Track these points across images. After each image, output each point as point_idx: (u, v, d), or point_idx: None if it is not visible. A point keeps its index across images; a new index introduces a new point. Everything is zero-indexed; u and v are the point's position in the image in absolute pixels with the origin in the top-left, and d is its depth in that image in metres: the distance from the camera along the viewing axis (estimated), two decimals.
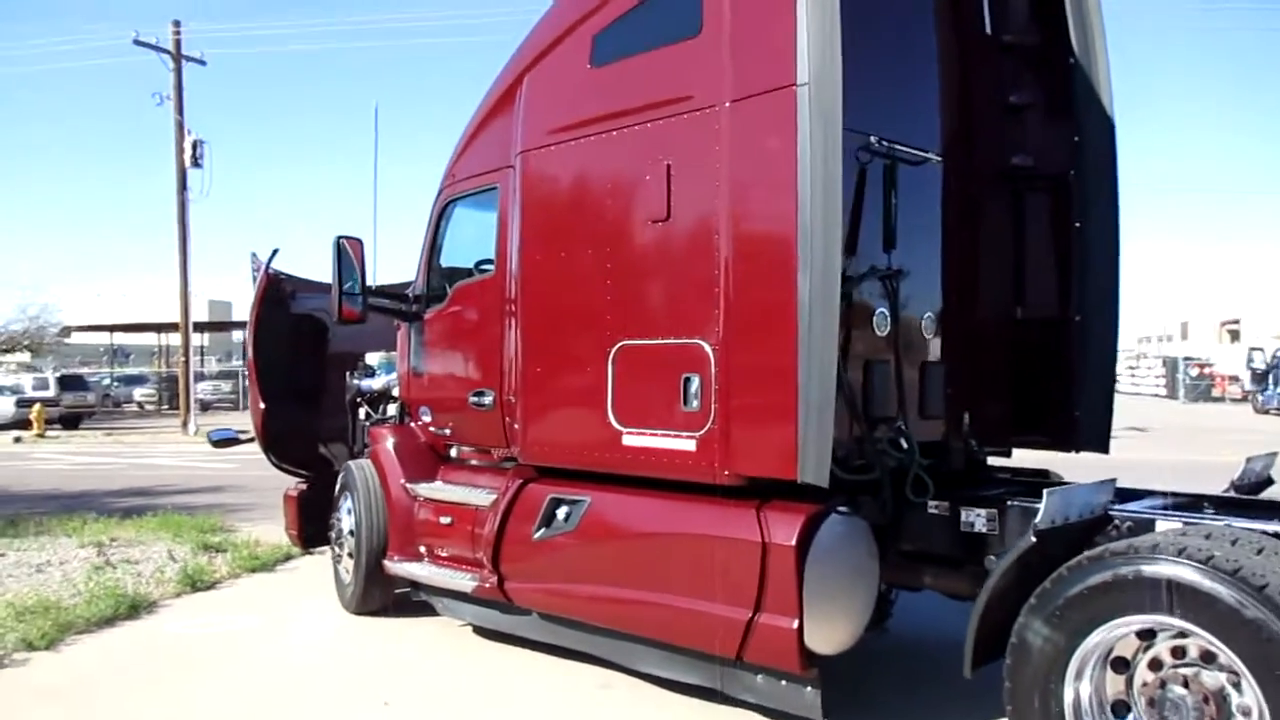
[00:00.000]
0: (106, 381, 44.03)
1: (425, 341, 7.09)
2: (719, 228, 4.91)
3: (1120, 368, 55.40)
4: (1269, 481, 5.46)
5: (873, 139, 5.25)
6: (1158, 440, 21.90)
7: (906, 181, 5.54)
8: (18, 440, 26.83)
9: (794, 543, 4.61)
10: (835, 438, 4.82)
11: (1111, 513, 4.30)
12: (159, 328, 40.71)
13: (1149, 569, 3.51)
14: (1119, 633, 3.67)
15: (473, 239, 6.77)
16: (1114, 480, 4.52)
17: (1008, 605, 3.92)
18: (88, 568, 8.64)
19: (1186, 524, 4.06)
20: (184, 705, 5.46)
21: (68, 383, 32.98)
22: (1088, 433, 6.11)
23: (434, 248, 7.06)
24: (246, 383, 8.66)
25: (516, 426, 6.07)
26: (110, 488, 15.79)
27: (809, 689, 4.73)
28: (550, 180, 5.90)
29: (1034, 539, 3.91)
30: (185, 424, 26.25)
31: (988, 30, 6.17)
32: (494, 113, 6.47)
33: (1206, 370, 44.23)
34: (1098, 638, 3.67)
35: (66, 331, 45.00)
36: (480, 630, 6.66)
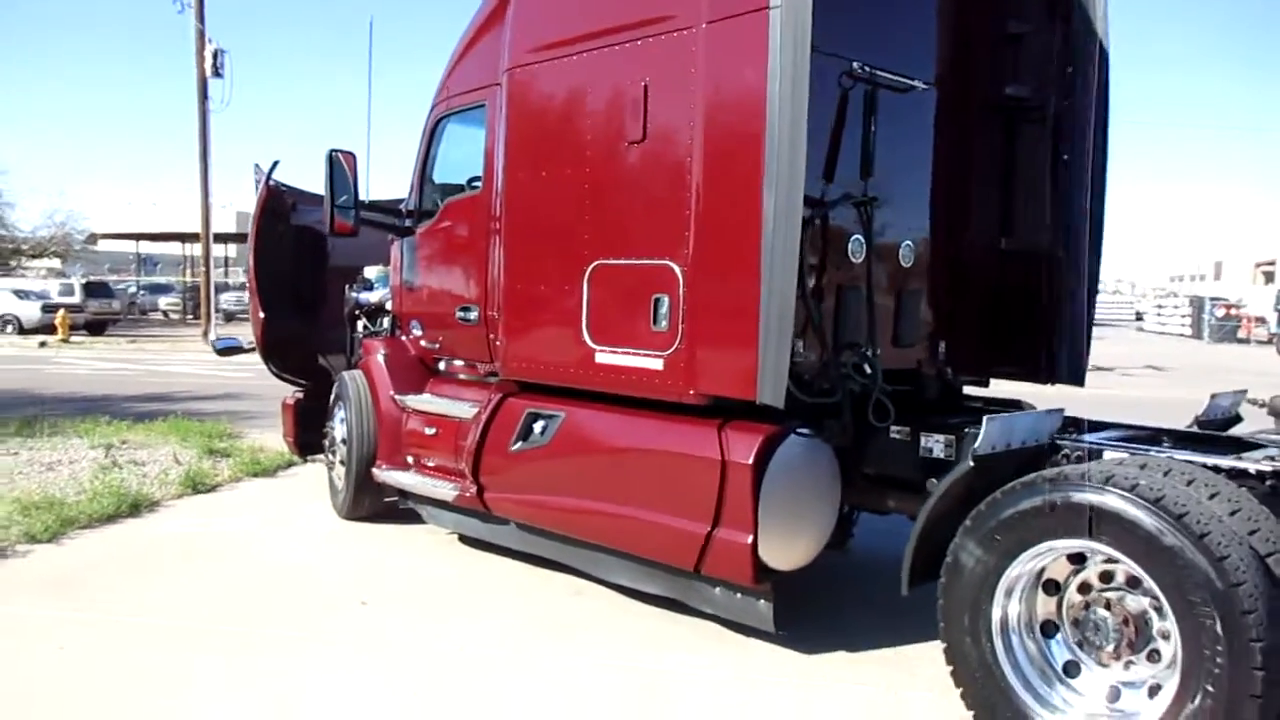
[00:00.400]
0: (133, 290, 44.51)
1: (416, 256, 7.20)
2: (692, 150, 4.94)
3: (1146, 306, 55.04)
4: (1236, 419, 5.51)
5: (855, 64, 5.23)
6: (1172, 379, 21.79)
7: (892, 109, 5.53)
8: (43, 345, 27.34)
9: (751, 461, 4.74)
10: (798, 361, 4.93)
11: (1060, 442, 4.39)
12: (184, 237, 40.95)
13: (1077, 495, 3.61)
14: (1049, 557, 3.79)
15: (463, 156, 6.81)
16: (1062, 410, 4.60)
17: (945, 527, 4.04)
18: (95, 468, 8.93)
19: (1131, 455, 4.14)
20: (173, 596, 5.71)
21: (93, 290, 33.36)
22: (1065, 367, 6.17)
23: (426, 163, 7.13)
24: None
25: (498, 342, 6.20)
26: (127, 393, 16.12)
27: (762, 602, 4.91)
28: (534, 99, 5.92)
29: (970, 463, 4.02)
30: (205, 333, 26.57)
31: None
32: (485, 28, 6.47)
33: (1233, 311, 43.68)
34: (1027, 560, 3.79)
35: (93, 239, 45.41)
36: (464, 539, 6.88)
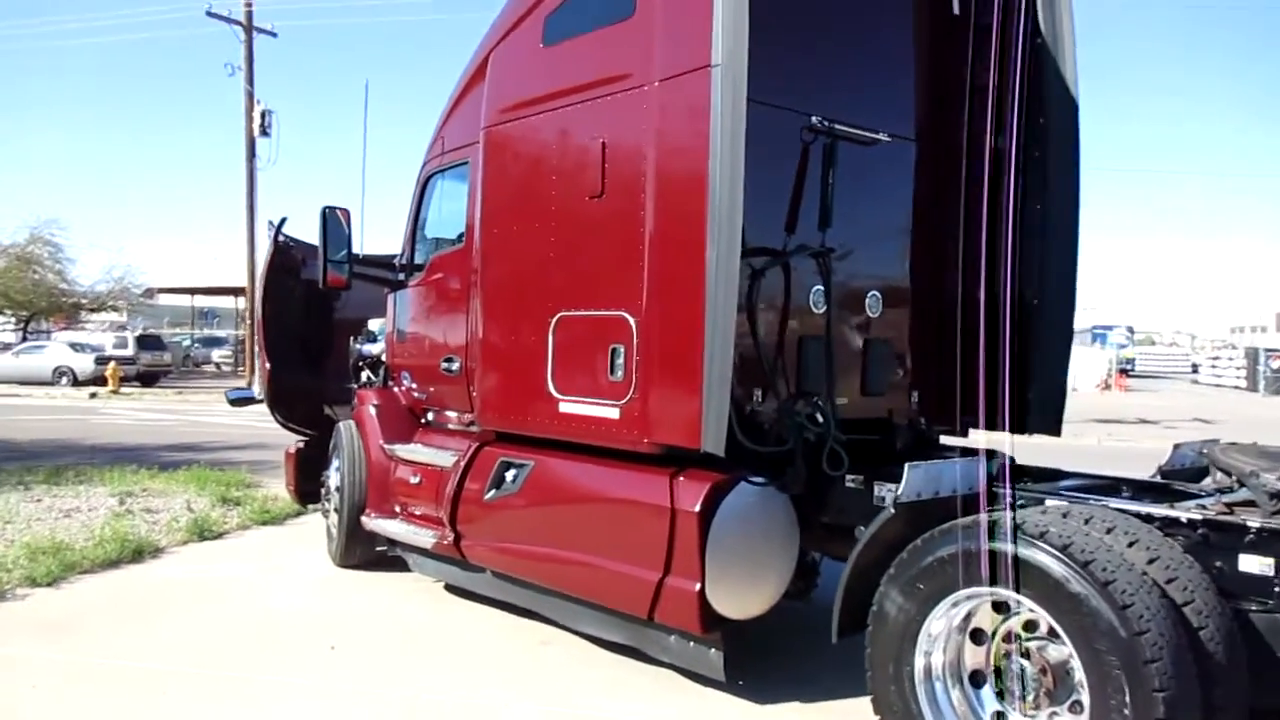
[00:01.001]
0: (187, 343, 45.60)
1: (407, 309, 7.40)
2: (645, 204, 5.06)
3: (1201, 359, 53.84)
4: (1205, 471, 5.44)
5: (815, 119, 5.35)
6: (1218, 432, 21.21)
7: (858, 161, 5.64)
8: (93, 396, 28.12)
9: (698, 509, 4.79)
10: (749, 410, 5.00)
11: (999, 490, 4.38)
12: (236, 291, 41.95)
13: (990, 544, 3.61)
14: (969, 605, 3.78)
15: (450, 211, 7.02)
16: (1004, 456, 4.61)
17: (874, 575, 4.04)
18: (109, 515, 9.19)
19: (1068, 503, 4.13)
20: (152, 640, 5.85)
21: (145, 342, 34.33)
22: (1040, 415, 6.16)
23: (417, 219, 7.35)
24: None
25: (474, 392, 6.33)
26: (163, 442, 16.52)
27: (713, 651, 4.93)
28: (506, 155, 6.11)
29: (892, 511, 4.03)
30: (250, 385, 27.21)
31: (956, 11, 6.19)
32: (468, 88, 6.70)
33: None
34: (946, 608, 3.78)
35: (150, 293, 46.72)
36: (449, 587, 6.97)
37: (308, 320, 9.12)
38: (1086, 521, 3.72)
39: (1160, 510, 3.91)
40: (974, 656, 3.90)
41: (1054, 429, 6.18)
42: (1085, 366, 46.55)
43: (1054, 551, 3.43)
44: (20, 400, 26.72)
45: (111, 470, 11.74)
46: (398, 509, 7.14)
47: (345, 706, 4.89)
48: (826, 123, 5.39)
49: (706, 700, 5.02)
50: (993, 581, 3.60)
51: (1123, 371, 49.12)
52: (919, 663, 3.86)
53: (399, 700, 4.98)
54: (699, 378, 4.68)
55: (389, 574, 7.43)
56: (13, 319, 41.37)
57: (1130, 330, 60.48)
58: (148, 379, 32.62)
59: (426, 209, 7.29)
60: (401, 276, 7.45)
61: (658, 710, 4.90)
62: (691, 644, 5.01)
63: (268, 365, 8.79)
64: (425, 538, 6.60)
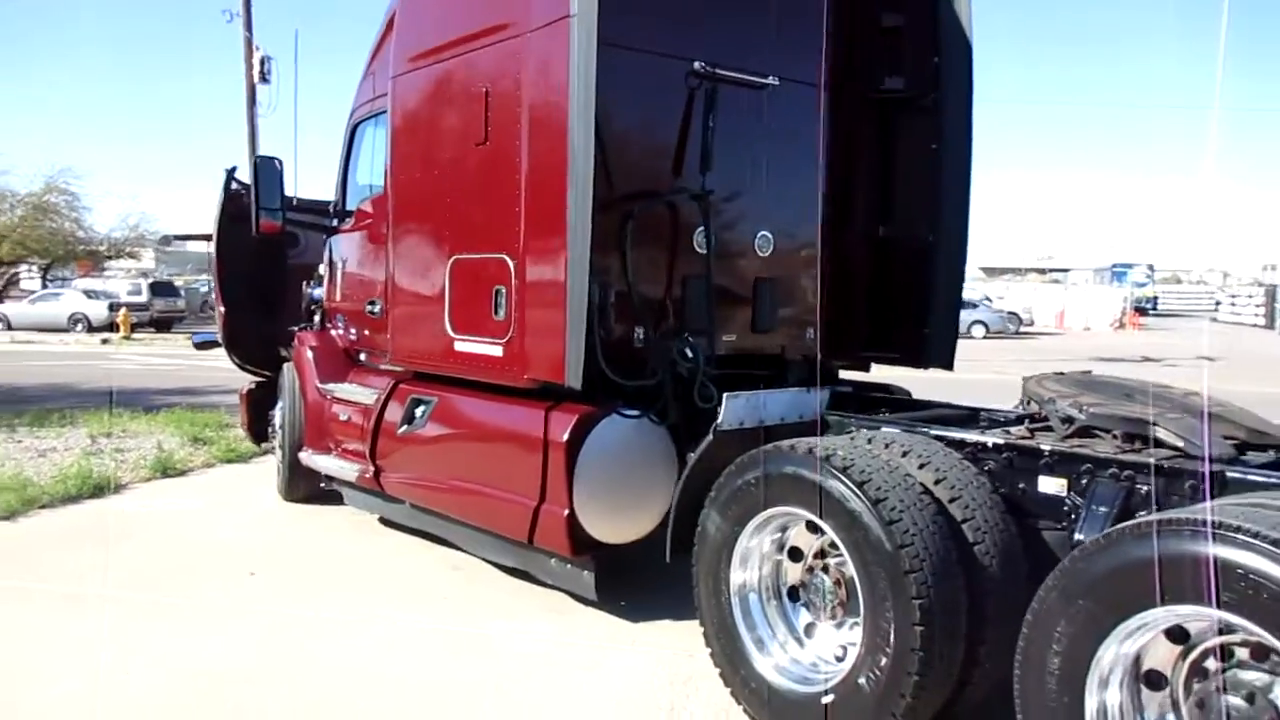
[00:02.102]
0: (205, 289, 46.20)
1: (338, 254, 7.68)
2: (520, 150, 5.28)
3: (1223, 296, 53.22)
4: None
5: (697, 64, 5.51)
6: (1221, 371, 21.29)
7: (749, 105, 5.81)
8: (104, 342, 28.76)
9: (565, 439, 5.07)
10: (621, 346, 5.25)
11: (830, 418, 4.63)
12: None
13: (784, 466, 3.88)
14: (776, 523, 4.05)
15: (373, 159, 7.25)
16: (828, 389, 4.84)
17: (700, 498, 4.31)
18: (79, 454, 9.62)
19: (901, 431, 4.36)
20: (91, 565, 6.25)
21: (159, 289, 34.96)
22: (935, 350, 6.37)
23: (347, 166, 7.60)
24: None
25: (389, 333, 6.63)
26: (161, 386, 16.97)
27: (585, 572, 5.25)
28: (409, 105, 6.32)
29: (711, 438, 4.29)
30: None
31: None
32: (385, 37, 6.89)
33: None
34: (755, 526, 4.06)
35: (167, 240, 47.31)
36: (383, 520, 7.31)
37: (262, 266, 9.39)
38: (887, 446, 3.97)
39: (972, 436, 4.14)
40: (793, 573, 4.17)
41: (948, 363, 6.39)
42: (1099, 305, 46.31)
43: (835, 472, 3.68)
44: (34, 347, 27.38)
45: (96, 412, 12.19)
46: (331, 445, 7.47)
47: (243, 624, 5.26)
48: (708, 68, 5.54)
49: (583, 619, 5.33)
50: (790, 502, 3.86)
51: (1140, 310, 48.77)
52: (734, 578, 4.14)
53: (294, 618, 5.35)
54: (562, 317, 4.94)
55: (329, 508, 7.78)
56: (34, 267, 42.06)
57: (1151, 268, 59.88)
58: (161, 325, 33.26)
59: (355, 156, 7.52)
60: (334, 223, 7.71)
61: (535, 627, 5.23)
62: (568, 566, 5.33)
63: (222, 309, 9.11)
64: (351, 472, 6.94)
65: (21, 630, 5.17)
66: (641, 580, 5.46)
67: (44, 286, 39.30)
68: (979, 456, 4.06)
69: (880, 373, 6.66)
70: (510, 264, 5.35)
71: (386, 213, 6.66)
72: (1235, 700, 2.83)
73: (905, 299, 6.42)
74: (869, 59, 6.41)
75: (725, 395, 4.43)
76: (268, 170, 7.46)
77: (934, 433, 4.23)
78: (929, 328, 6.39)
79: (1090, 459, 3.75)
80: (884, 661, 3.54)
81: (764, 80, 5.84)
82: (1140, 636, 2.96)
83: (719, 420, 4.38)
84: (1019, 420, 4.55)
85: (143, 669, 4.66)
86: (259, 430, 8.95)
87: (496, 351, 5.51)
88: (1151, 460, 3.63)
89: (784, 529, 4.10)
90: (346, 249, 7.54)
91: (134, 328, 30.44)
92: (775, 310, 6.04)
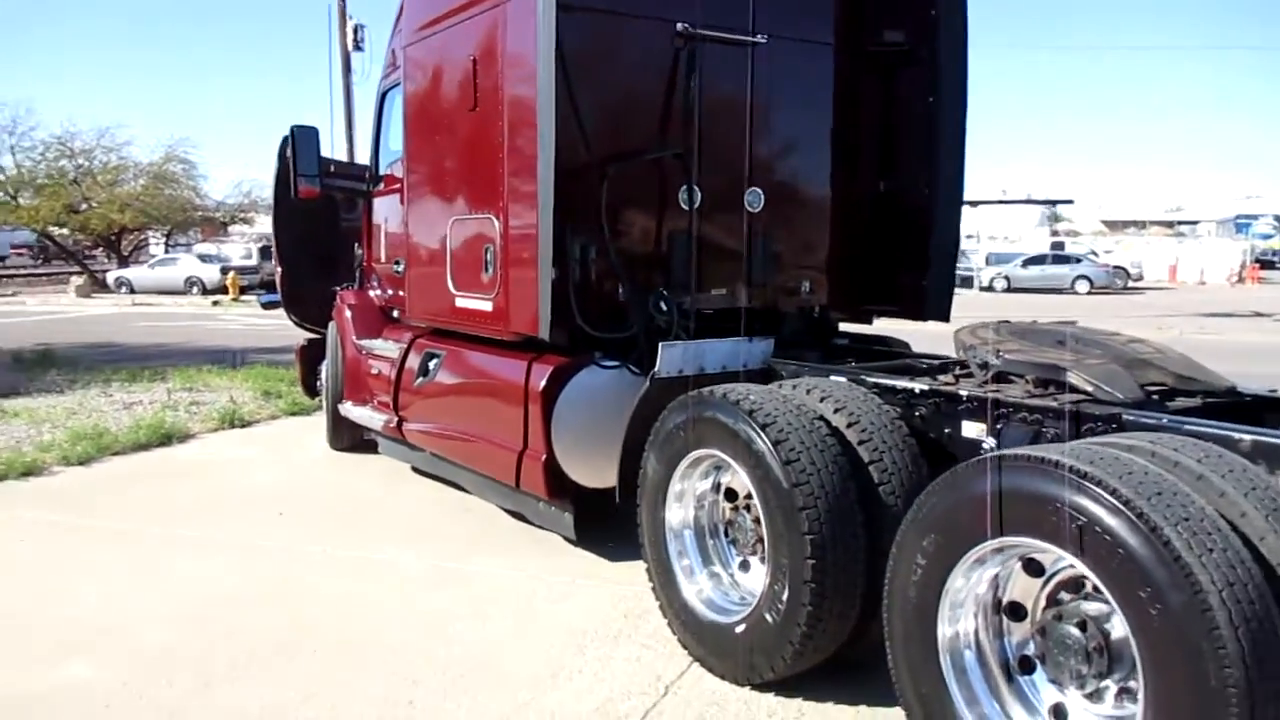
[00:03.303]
0: None
1: (373, 216, 8.12)
2: (503, 113, 5.56)
3: None
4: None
5: (679, 25, 5.68)
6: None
7: (735, 63, 5.96)
8: (215, 304, 30.33)
9: (541, 388, 5.39)
10: (597, 300, 5.51)
11: (775, 366, 4.83)
12: None
13: (707, 411, 4.10)
14: (706, 465, 4.28)
15: (397, 125, 7.61)
16: (770, 339, 5.02)
17: (642, 442, 4.57)
18: (158, 407, 10.40)
19: (833, 378, 4.53)
20: (139, 504, 6.88)
21: (267, 253, 36.49)
22: (933, 303, 6.46)
23: (378, 132, 8.00)
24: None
25: (406, 290, 7.03)
26: (260, 345, 17.89)
27: (565, 514, 5.57)
28: (417, 72, 6.65)
29: (648, 384, 4.54)
30: None
31: None
32: (403, 7, 7.23)
33: None
34: (685, 468, 4.30)
35: None
36: (415, 468, 7.77)
37: (318, 228, 9.92)
38: (809, 391, 4.17)
39: (903, 383, 4.29)
40: (727, 512, 4.40)
41: (945, 315, 6.47)
42: (1217, 258, 44.28)
43: (744, 415, 3.89)
44: (150, 309, 29.04)
45: (185, 369, 13.07)
46: (366, 398, 7.96)
47: (254, 557, 5.76)
48: (690, 28, 5.70)
49: (566, 558, 5.65)
50: (710, 444, 4.10)
51: (1264, 263, 46.47)
52: (670, 516, 4.39)
53: (304, 554, 5.82)
54: (535, 272, 5.23)
55: (369, 457, 8.28)
56: (159, 234, 44.30)
57: (1278, 219, 56.71)
58: (269, 287, 34.75)
59: (385, 122, 7.91)
60: (369, 187, 8.14)
61: (522, 564, 5.58)
62: (551, 508, 5.66)
63: (280, 269, 9.68)
64: (379, 421, 7.41)
65: (62, 559, 5.77)
66: (630, 522, 5.75)
67: (166, 252, 41.40)
68: (912, 403, 4.22)
69: (906, 328, 6.63)
70: (496, 223, 5.66)
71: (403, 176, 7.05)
72: (1068, 628, 2.97)
73: (904, 253, 6.50)
74: (869, 12, 6.47)
75: (661, 344, 4.67)
76: (305, 139, 7.90)
77: (870, 380, 4.38)
78: (926, 281, 6.47)
79: (1002, 403, 3.88)
80: (783, 595, 3.77)
81: (752, 39, 5.96)
82: (985, 568, 3.12)
83: (655, 368, 4.63)
84: (946, 368, 4.67)
85: (154, 591, 5.19)
86: (311, 384, 9.52)
87: (487, 307, 5.84)
88: (1053, 403, 3.74)
89: (718, 469, 4.32)
90: (378, 212, 7.97)
91: (243, 290, 31.93)
92: (767, 266, 6.19)
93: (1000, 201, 48.77)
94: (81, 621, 4.79)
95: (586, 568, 5.48)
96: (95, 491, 7.32)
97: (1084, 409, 3.67)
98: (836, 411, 4.02)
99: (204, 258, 35.27)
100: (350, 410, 8.01)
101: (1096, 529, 2.68)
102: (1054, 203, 49.69)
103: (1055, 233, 55.06)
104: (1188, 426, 3.36)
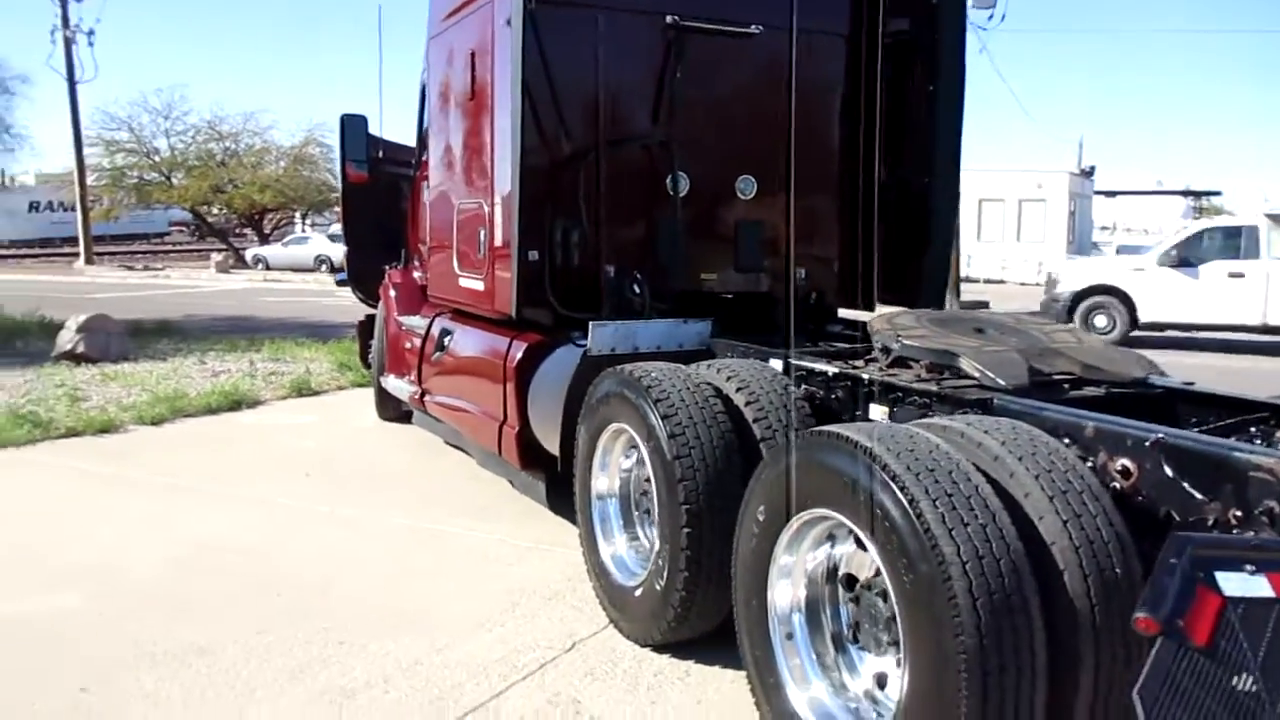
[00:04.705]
0: None
1: (414, 199, 8.59)
2: (491, 105, 5.89)
3: None
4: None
5: (669, 18, 5.91)
6: None
7: (728, 54, 6.15)
8: (340, 283, 31.67)
9: (515, 364, 5.72)
10: (573, 282, 5.79)
11: (714, 348, 5.03)
12: None
13: (616, 387, 4.36)
14: (625, 438, 4.53)
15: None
16: (708, 321, 5.20)
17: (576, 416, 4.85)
18: (239, 375, 11.20)
19: (772, 362, 4.71)
20: (185, 463, 7.53)
21: None
22: (929, 292, 6.53)
23: (421, 118, 8.45)
24: None
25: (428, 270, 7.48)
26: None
27: (539, 484, 5.87)
28: (438, 63, 7.04)
29: (580, 362, 4.82)
30: None
31: None
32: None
33: None
34: (604, 439, 4.57)
35: None
36: (448, 441, 8.22)
37: (382, 208, 10.50)
38: (719, 371, 4.36)
39: (820, 366, 4.44)
40: (643, 484, 4.63)
41: (940, 302, 6.53)
42: None
43: (641, 390, 4.12)
44: (278, 285, 30.77)
45: (279, 341, 13.94)
46: (403, 371, 8.45)
47: (266, 511, 6.29)
48: (679, 20, 5.92)
49: (540, 525, 5.90)
50: (619, 419, 4.35)
51: None
52: (595, 485, 4.66)
53: (311, 511, 6.32)
54: (510, 255, 5.56)
55: (411, 428, 8.79)
56: (300, 213, 46.65)
57: None
58: None
59: (424, 109, 8.37)
60: (413, 171, 8.62)
61: (498, 528, 5.93)
62: (528, 478, 5.98)
63: (347, 248, 10.30)
64: (406, 392, 7.89)
65: (94, 505, 6.44)
66: None
67: (303, 231, 43.57)
68: (830, 385, 4.37)
69: None
70: (485, 209, 6.01)
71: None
72: (873, 597, 3.13)
73: (902, 241, 6.57)
74: (875, 1, 6.53)
75: (591, 324, 4.92)
76: (353, 126, 8.47)
77: (795, 363, 4.55)
78: (923, 268, 6.54)
79: (894, 387, 4.01)
80: (664, 561, 4.00)
81: (748, 29, 6.12)
82: (809, 538, 3.30)
83: (587, 346, 4.89)
84: (870, 353, 4.78)
85: (162, 537, 5.75)
86: (366, 357, 10.11)
87: (480, 287, 6.20)
88: (934, 387, 3.86)
89: (633, 442, 4.57)
90: (418, 194, 8.43)
91: None
92: (757, 252, 6.35)
93: (1134, 193, 46.64)
94: (88, 559, 5.38)
95: (556, 535, 5.78)
96: (151, 449, 8.03)
97: (960, 393, 3.77)
98: (738, 390, 4.20)
99: (334, 237, 36.94)
100: (389, 382, 8.51)
101: (872, 501, 2.84)
102: (1198, 194, 46.99)
103: None
104: (1045, 411, 3.44)
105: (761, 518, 3.37)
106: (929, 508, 2.70)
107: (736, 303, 6.34)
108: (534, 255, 5.69)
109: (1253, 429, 3.68)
